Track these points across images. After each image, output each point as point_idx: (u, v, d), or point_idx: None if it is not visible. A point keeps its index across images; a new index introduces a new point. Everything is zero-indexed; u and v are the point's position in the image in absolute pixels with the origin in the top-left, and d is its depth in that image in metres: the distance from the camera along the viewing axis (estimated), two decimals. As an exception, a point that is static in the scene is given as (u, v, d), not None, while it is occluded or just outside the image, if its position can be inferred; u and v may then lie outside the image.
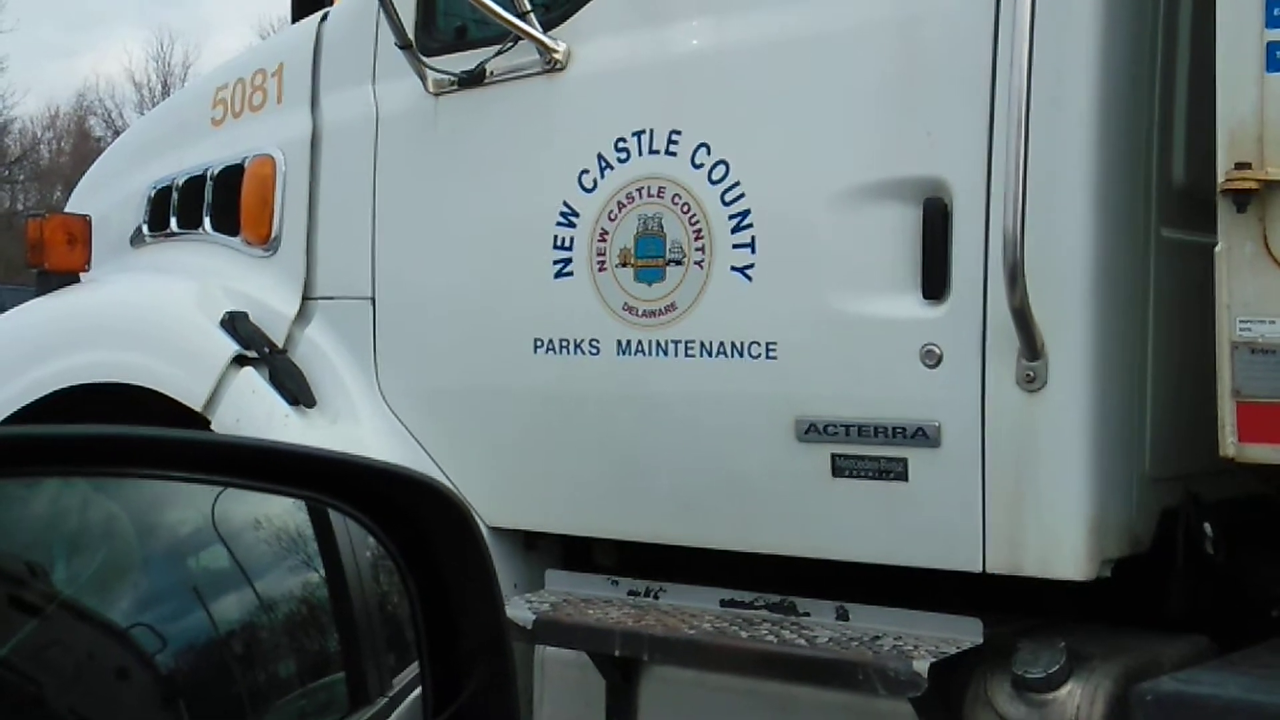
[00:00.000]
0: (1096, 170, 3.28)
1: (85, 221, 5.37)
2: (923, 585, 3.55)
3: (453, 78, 4.13)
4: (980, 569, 3.37)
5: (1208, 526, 3.47)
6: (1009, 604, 3.53)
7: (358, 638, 1.70)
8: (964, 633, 3.40)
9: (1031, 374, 3.28)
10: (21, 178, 53.63)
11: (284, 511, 1.61)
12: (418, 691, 1.69)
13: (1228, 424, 3.10)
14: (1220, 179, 3.07)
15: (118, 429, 1.45)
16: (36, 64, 71.30)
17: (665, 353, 3.75)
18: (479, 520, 3.98)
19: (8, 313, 5.33)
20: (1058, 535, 3.30)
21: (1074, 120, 3.26)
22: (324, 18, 4.70)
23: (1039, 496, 3.30)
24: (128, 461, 1.46)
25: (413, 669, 1.68)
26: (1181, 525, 3.48)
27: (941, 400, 3.39)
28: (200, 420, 4.38)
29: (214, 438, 1.82)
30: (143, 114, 48.46)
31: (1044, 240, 3.20)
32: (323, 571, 1.65)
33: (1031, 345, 3.24)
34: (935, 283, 3.38)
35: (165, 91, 51.91)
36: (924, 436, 3.40)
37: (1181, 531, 3.48)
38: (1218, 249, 3.09)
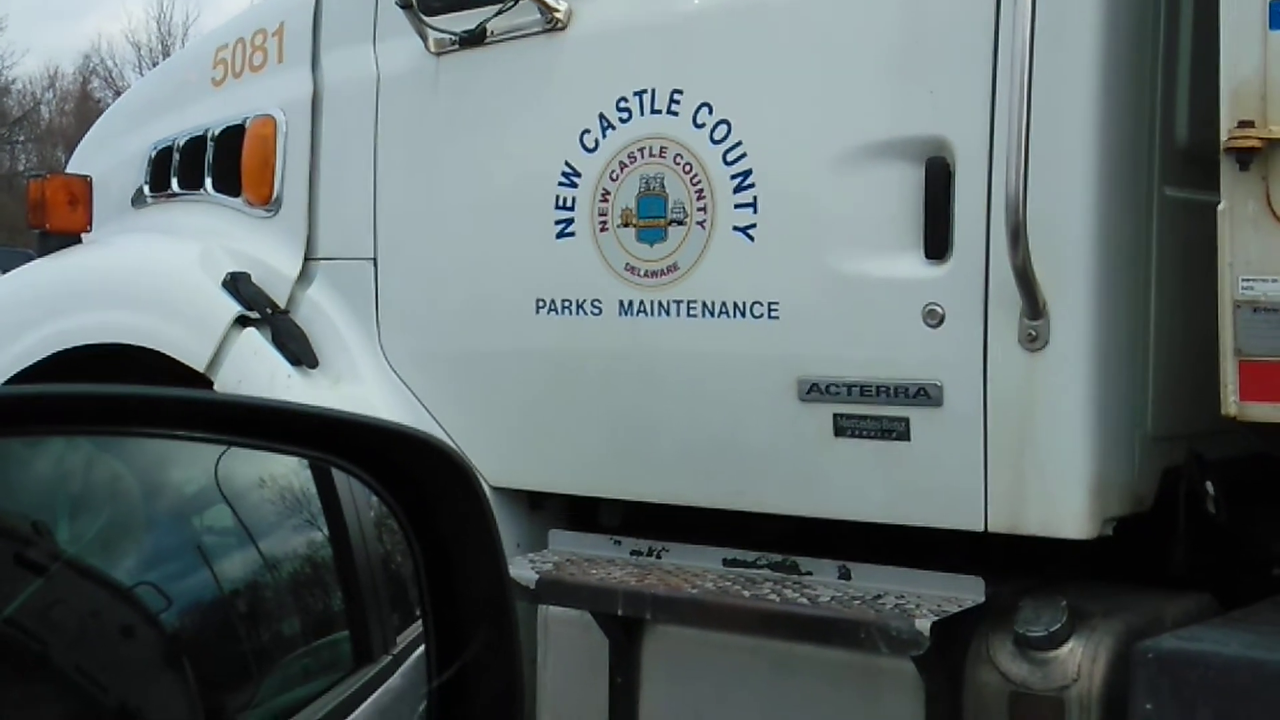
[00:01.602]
0: (1099, 129, 3.27)
1: (86, 182, 5.36)
2: (925, 544, 3.55)
3: (454, 37, 4.12)
4: (982, 528, 3.38)
5: (1210, 485, 3.48)
6: (1011, 563, 3.54)
7: (361, 596, 1.71)
8: (966, 591, 3.41)
9: (1034, 333, 3.28)
10: (21, 138, 53.55)
11: (288, 471, 1.61)
12: (421, 649, 1.70)
13: (1230, 383, 3.10)
14: (1223, 137, 3.06)
15: (120, 388, 1.46)
16: (40, 23, 71.08)
17: (667, 313, 3.75)
18: (482, 480, 4.04)
19: (9, 274, 5.32)
20: (1059, 494, 3.30)
21: (1076, 79, 3.26)
22: (325, -24, 4.68)
23: (1041, 456, 3.31)
24: (131, 420, 1.47)
25: (416, 627, 1.69)
26: (1183, 484, 3.48)
27: (943, 360, 3.39)
28: (203, 381, 4.39)
29: (216, 396, 1.83)
30: (142, 74, 48.36)
31: (1046, 199, 3.20)
32: (326, 530, 1.66)
33: (1034, 304, 3.24)
34: (937, 242, 3.38)
35: (165, 51, 51.76)
36: (926, 396, 3.40)
37: (1183, 490, 3.49)
38: (1220, 207, 3.09)
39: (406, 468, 1.58)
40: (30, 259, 5.55)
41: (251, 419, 1.57)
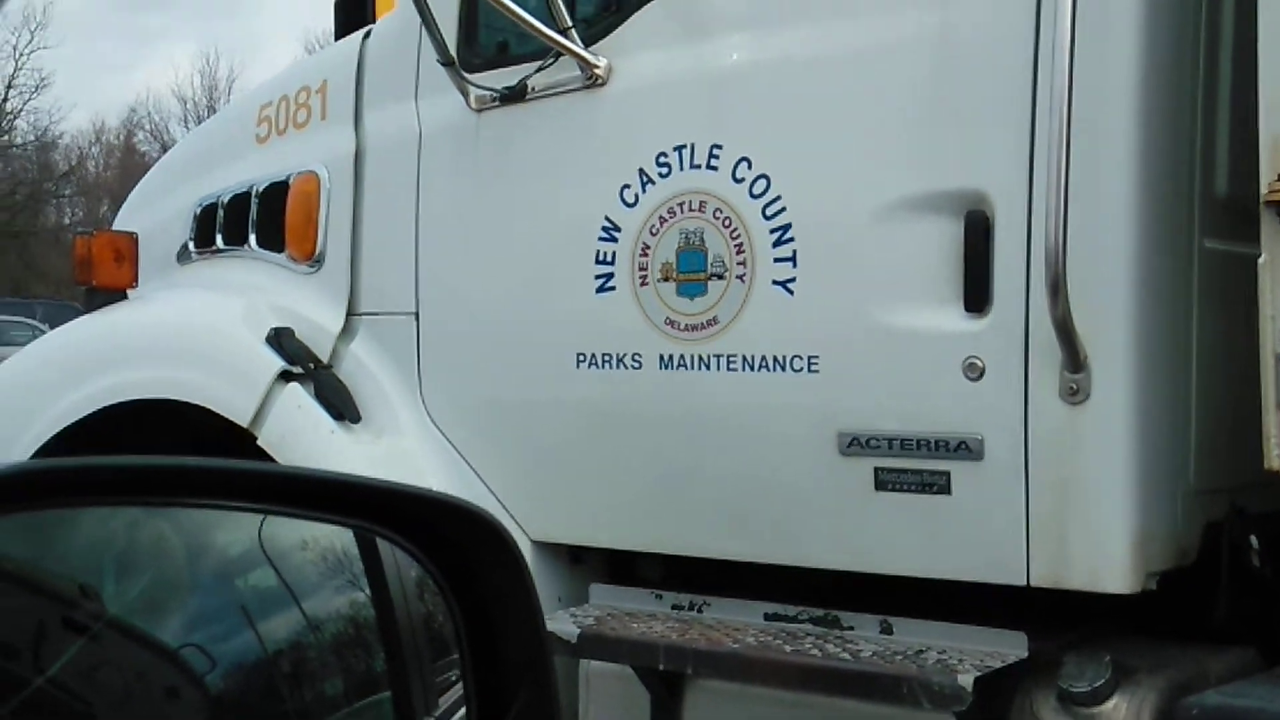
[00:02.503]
0: (1138, 181, 3.27)
1: (132, 239, 5.42)
2: (967, 599, 3.54)
3: (495, 94, 4.16)
4: (1025, 582, 3.36)
5: (1254, 539, 3.46)
6: (1054, 617, 3.52)
7: (403, 657, 1.71)
8: (1009, 646, 3.39)
9: (1074, 386, 3.27)
10: (68, 192, 54.11)
11: (330, 533, 1.63)
12: (463, 711, 1.70)
13: (1272, 436, 3.08)
14: (1263, 190, 3.05)
15: (166, 461, 1.48)
16: (88, 78, 71.99)
17: (708, 367, 3.75)
18: (523, 533, 4.05)
19: (57, 330, 5.38)
20: (1102, 548, 3.29)
21: (1115, 131, 3.26)
22: (367, 35, 4.74)
23: (1083, 509, 3.29)
24: (177, 491, 1.49)
25: (458, 689, 1.70)
26: (1227, 538, 3.46)
27: (984, 413, 3.38)
28: (247, 436, 4.42)
29: (260, 467, 1.84)
30: (186, 128, 48.86)
31: (1086, 252, 3.20)
32: (369, 591, 1.67)
33: (1074, 358, 3.24)
34: (977, 295, 3.38)
35: (211, 105, 52.31)
36: (967, 450, 3.40)
37: (1227, 544, 3.46)
38: (1261, 260, 3.08)
39: (446, 533, 1.59)
40: (77, 313, 5.61)
41: (295, 489, 1.59)
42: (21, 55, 47.38)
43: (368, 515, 1.59)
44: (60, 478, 1.43)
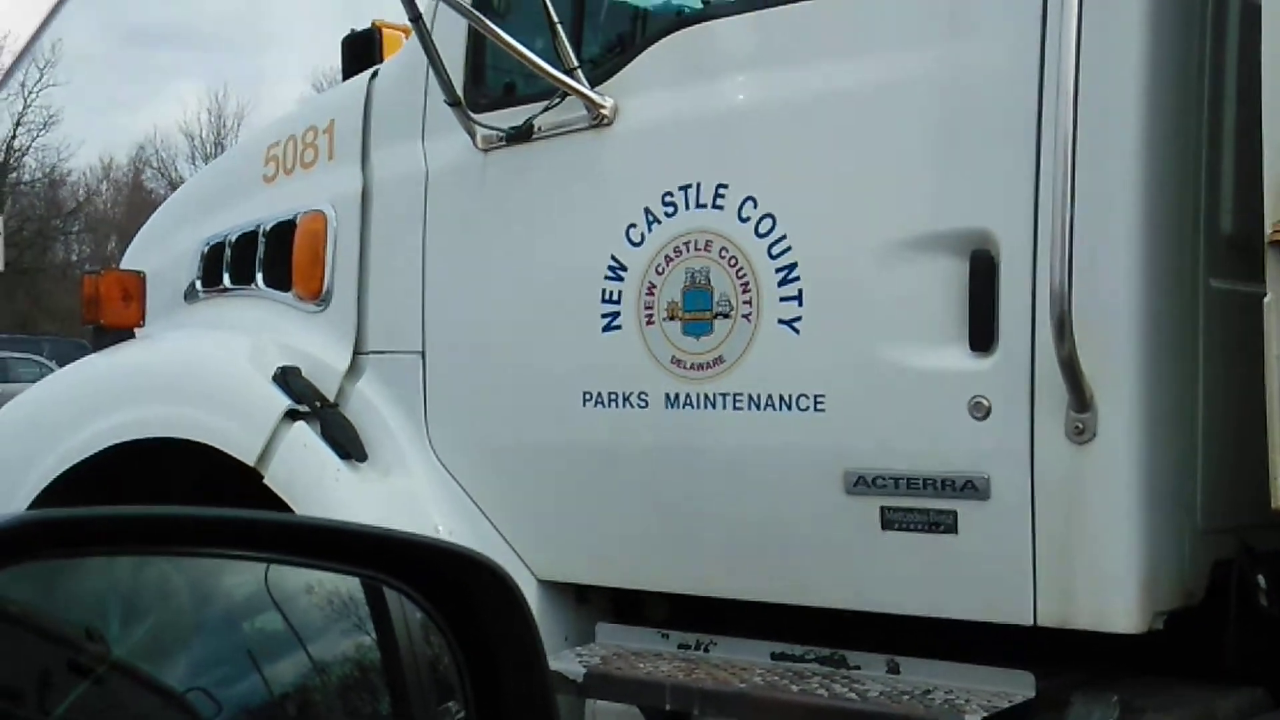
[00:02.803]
0: (1144, 221, 3.28)
1: (140, 278, 5.44)
2: (974, 638, 3.53)
3: (501, 133, 4.18)
4: (1031, 622, 3.36)
5: (1261, 578, 3.45)
6: (1061, 656, 3.52)
7: (409, 699, 1.71)
8: (1016, 686, 3.39)
9: (1081, 426, 3.27)
10: (76, 228, 54.29)
11: (336, 578, 1.63)
12: (468, 753, 1.70)
13: (1279, 475, 3.08)
14: (1268, 230, 3.06)
15: (173, 510, 1.49)
16: (100, 115, 72.38)
17: (713, 405, 3.76)
18: (528, 572, 4.05)
19: (64, 368, 5.39)
20: (1109, 588, 3.28)
21: (1120, 172, 3.27)
22: (374, 75, 4.76)
23: (1090, 549, 3.29)
24: (184, 541, 1.50)
25: (463, 731, 1.70)
26: (1235, 577, 3.46)
27: (990, 452, 3.38)
28: (254, 474, 4.42)
29: (267, 517, 1.85)
30: (194, 165, 49.06)
31: (1092, 292, 3.20)
32: (374, 634, 1.68)
33: (1080, 397, 3.24)
34: (983, 335, 3.38)
35: (219, 142, 52.50)
36: (973, 489, 3.39)
37: (1235, 583, 3.46)
38: (1267, 300, 3.08)
39: (449, 578, 1.60)
40: (84, 349, 5.62)
41: (301, 538, 1.60)
42: (30, 93, 47.63)
43: (372, 563, 1.60)
44: (66, 528, 1.44)
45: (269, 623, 1.62)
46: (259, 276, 5.00)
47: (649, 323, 3.85)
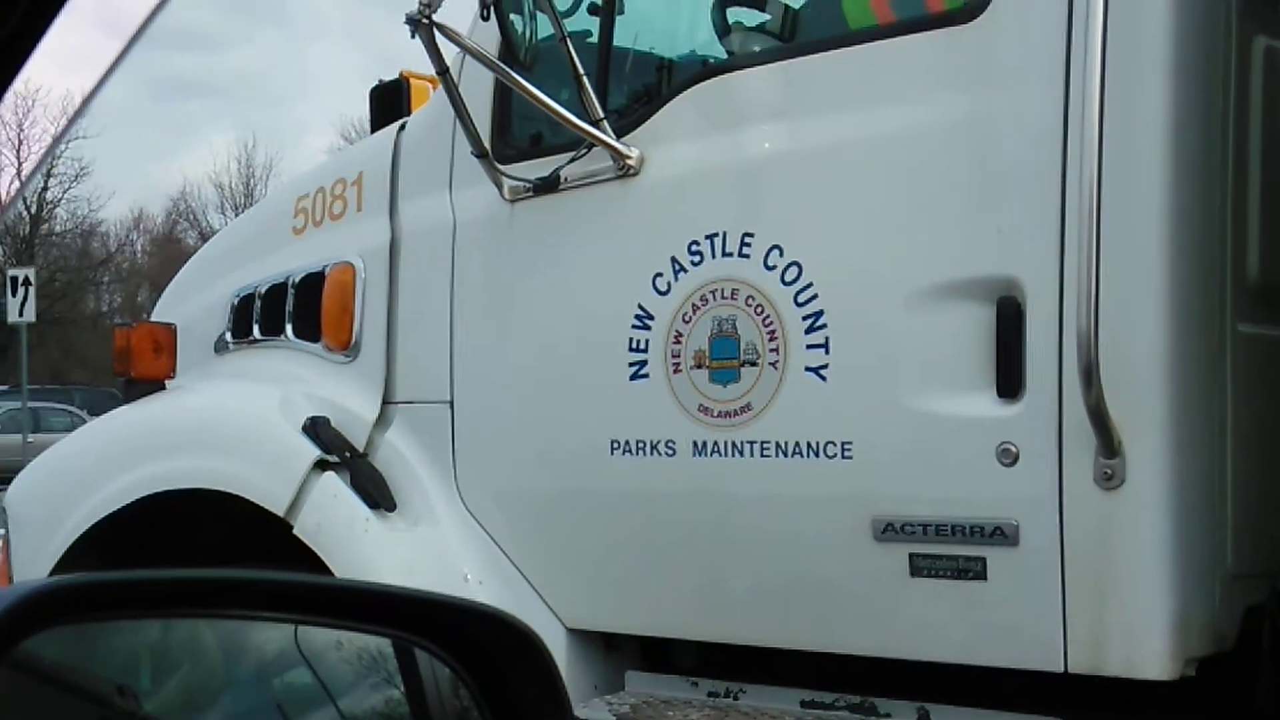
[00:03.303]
0: (1170, 266, 3.28)
1: (170, 330, 5.48)
2: (1004, 684, 3.52)
3: (528, 184, 4.20)
4: (1061, 669, 3.34)
5: (1293, 624, 3.43)
6: (1092, 703, 3.50)
7: (438, 754, 1.72)
8: (1047, 734, 3.37)
9: (1109, 472, 3.26)
10: (106, 279, 54.63)
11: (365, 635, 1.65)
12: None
13: (1310, 520, 3.07)
14: (1294, 274, 3.06)
15: (204, 574, 1.50)
16: (130, 166, 73.11)
17: (741, 453, 3.76)
18: (557, 620, 4.05)
19: (95, 420, 5.43)
20: (1140, 634, 3.27)
21: (1146, 217, 3.27)
22: (402, 127, 4.81)
23: (1120, 595, 3.28)
24: (215, 604, 1.51)
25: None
26: (1267, 622, 3.44)
27: (1019, 499, 3.38)
28: (283, 525, 4.44)
29: (296, 579, 1.86)
30: (224, 215, 49.35)
31: (1119, 338, 3.20)
32: (403, 689, 1.68)
33: (1109, 443, 3.23)
34: (1010, 381, 3.38)
35: (248, 192, 52.82)
36: (1002, 536, 3.39)
37: (1267, 629, 3.44)
38: (1294, 344, 3.08)
39: (476, 637, 1.62)
40: (116, 399, 5.67)
41: (330, 600, 1.62)
42: (62, 145, 48.01)
43: (401, 624, 1.62)
44: (98, 593, 1.45)
45: (299, 678, 1.63)
46: (288, 328, 5.04)
47: (676, 371, 3.86)
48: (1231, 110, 3.41)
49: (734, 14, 4.25)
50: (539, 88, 3.97)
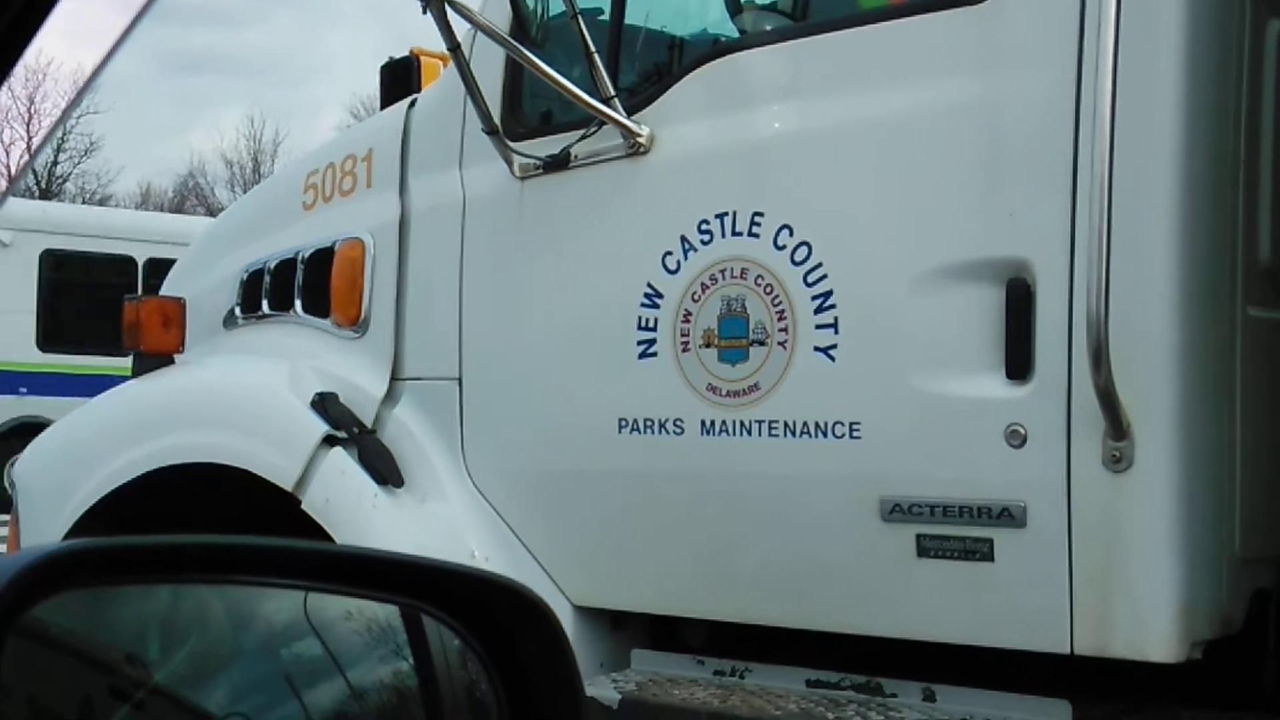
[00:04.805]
0: (1180, 249, 3.27)
1: (180, 304, 5.49)
2: (1011, 665, 3.52)
3: (538, 162, 4.20)
4: (1068, 650, 3.35)
5: (1301, 607, 3.43)
6: (1099, 685, 3.50)
7: (446, 724, 1.73)
8: (1053, 715, 3.38)
9: (1118, 454, 3.26)
10: (116, 255, 54.56)
11: (374, 605, 1.65)
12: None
13: (1318, 505, 3.07)
14: (1305, 258, 3.06)
15: (213, 539, 1.50)
16: (140, 141, 73.13)
17: (749, 433, 3.76)
18: (564, 598, 4.06)
19: (103, 394, 5.44)
20: (1146, 617, 3.27)
21: (1157, 200, 3.26)
22: (412, 104, 4.80)
23: (1127, 577, 3.28)
24: (224, 570, 1.52)
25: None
26: (1274, 606, 3.44)
27: (1027, 481, 3.38)
28: (291, 500, 4.45)
29: (306, 546, 1.86)
30: (233, 191, 49.35)
31: (1128, 320, 3.20)
32: (412, 660, 1.69)
33: (1117, 425, 3.23)
34: (1019, 363, 3.38)
35: (256, 167, 52.81)
36: (1009, 517, 3.39)
37: (1274, 612, 3.44)
38: (1304, 328, 3.08)
39: (487, 606, 1.62)
40: (124, 376, 5.66)
41: (340, 567, 1.62)
42: (71, 120, 47.99)
43: (410, 592, 1.62)
44: (107, 558, 1.45)
45: (307, 649, 1.63)
46: (297, 303, 5.04)
47: (685, 350, 3.86)
48: (1244, 93, 3.40)
49: (746, -8, 4.24)
50: (550, 65, 3.97)
